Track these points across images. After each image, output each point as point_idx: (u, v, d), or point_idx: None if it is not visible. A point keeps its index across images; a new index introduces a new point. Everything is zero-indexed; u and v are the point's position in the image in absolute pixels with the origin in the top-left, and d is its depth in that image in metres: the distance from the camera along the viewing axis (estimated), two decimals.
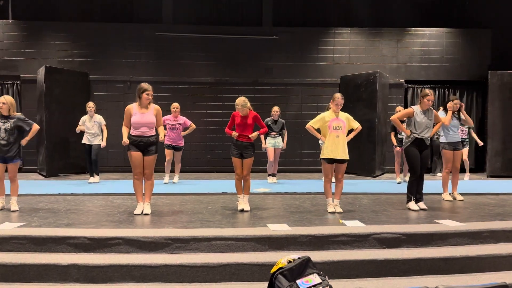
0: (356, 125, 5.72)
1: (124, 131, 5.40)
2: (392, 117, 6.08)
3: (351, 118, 5.72)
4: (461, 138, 9.15)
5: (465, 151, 9.35)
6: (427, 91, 5.82)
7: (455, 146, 6.63)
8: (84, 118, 8.55)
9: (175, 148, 8.47)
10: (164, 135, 8.38)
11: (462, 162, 9.37)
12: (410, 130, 5.82)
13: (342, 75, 10.96)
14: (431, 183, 8.24)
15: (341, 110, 5.66)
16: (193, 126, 8.57)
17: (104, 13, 11.36)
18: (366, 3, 11.90)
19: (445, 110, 6.75)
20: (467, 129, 9.34)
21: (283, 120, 8.85)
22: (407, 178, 8.81)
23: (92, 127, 8.47)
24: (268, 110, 8.72)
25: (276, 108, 8.67)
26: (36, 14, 11.09)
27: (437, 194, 7.06)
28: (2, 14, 10.87)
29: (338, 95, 5.61)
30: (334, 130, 5.51)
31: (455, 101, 6.59)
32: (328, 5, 11.84)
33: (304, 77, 11.08)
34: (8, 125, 5.53)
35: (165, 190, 7.49)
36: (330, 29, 11.23)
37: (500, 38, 11.23)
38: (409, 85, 11.37)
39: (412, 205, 5.80)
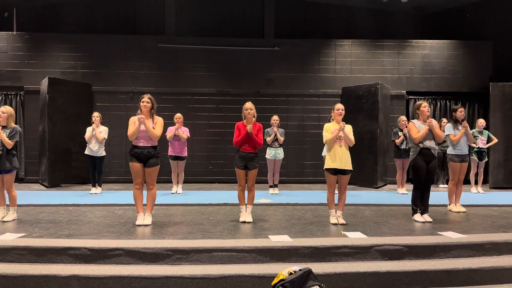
0: (352, 140, 5.54)
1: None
2: (415, 137, 5.74)
3: (351, 131, 5.66)
4: (480, 149, 9.14)
5: (481, 164, 9.17)
6: (419, 102, 5.97)
7: (462, 158, 6.60)
8: (90, 129, 8.50)
9: (178, 158, 8.61)
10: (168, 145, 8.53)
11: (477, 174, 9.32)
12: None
13: (343, 86, 11.00)
14: (434, 194, 8.18)
15: (343, 121, 5.66)
16: (186, 137, 8.57)
17: (107, 24, 11.48)
18: (367, 15, 12.00)
19: (454, 122, 6.66)
20: (487, 138, 9.17)
21: (283, 130, 8.88)
22: (399, 191, 8.86)
23: (95, 138, 8.39)
24: (269, 121, 8.73)
25: (275, 117, 8.68)
26: (40, 26, 11.21)
27: (439, 206, 7.03)
28: (6, 26, 11.00)
29: (338, 104, 5.69)
30: (338, 139, 5.50)
31: (460, 109, 6.62)
32: (329, 17, 11.95)
33: (306, 88, 11.12)
34: (5, 135, 5.52)
35: (166, 200, 7.48)
36: (331, 41, 11.30)
37: (501, 49, 11.27)
38: (411, 97, 11.39)
39: (418, 217, 5.78)
